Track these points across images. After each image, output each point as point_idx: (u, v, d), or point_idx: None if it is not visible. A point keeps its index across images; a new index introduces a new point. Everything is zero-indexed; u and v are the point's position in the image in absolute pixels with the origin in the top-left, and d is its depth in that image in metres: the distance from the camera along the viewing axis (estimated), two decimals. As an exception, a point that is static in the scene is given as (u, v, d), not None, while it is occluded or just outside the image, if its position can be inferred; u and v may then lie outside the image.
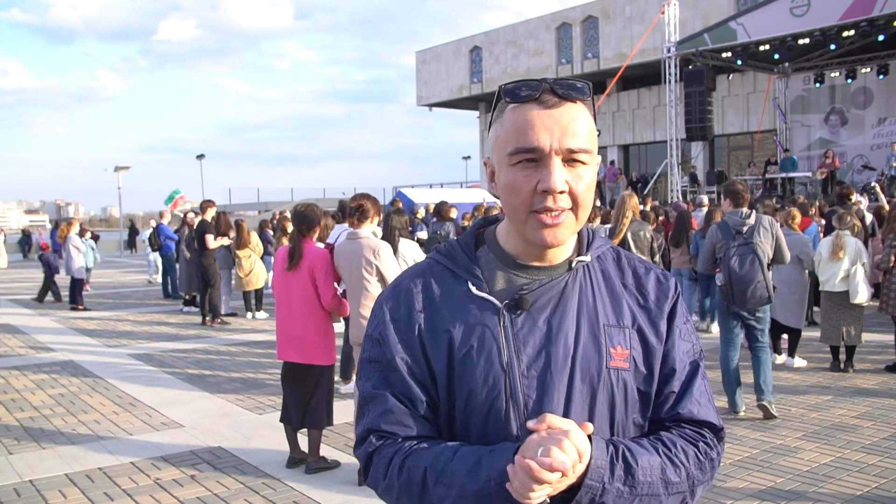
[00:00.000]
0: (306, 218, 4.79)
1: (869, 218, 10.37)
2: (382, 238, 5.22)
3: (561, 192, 1.14)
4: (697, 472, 1.20)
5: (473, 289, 1.22)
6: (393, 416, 1.22)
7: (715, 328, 9.49)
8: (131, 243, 33.30)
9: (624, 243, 6.52)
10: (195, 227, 11.54)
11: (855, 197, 10.90)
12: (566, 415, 1.17)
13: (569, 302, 1.22)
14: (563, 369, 1.18)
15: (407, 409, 1.22)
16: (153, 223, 17.01)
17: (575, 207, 1.17)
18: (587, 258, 1.27)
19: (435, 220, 11.44)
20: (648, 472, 1.14)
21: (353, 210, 4.86)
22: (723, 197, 5.96)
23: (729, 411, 5.74)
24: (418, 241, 10.68)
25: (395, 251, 5.25)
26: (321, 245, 5.38)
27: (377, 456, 1.22)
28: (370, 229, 4.84)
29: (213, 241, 11.05)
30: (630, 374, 1.22)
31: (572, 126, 1.15)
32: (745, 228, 5.54)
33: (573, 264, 1.25)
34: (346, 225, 6.54)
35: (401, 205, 12.34)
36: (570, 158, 1.15)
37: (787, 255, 5.80)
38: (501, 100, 1.20)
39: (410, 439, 1.21)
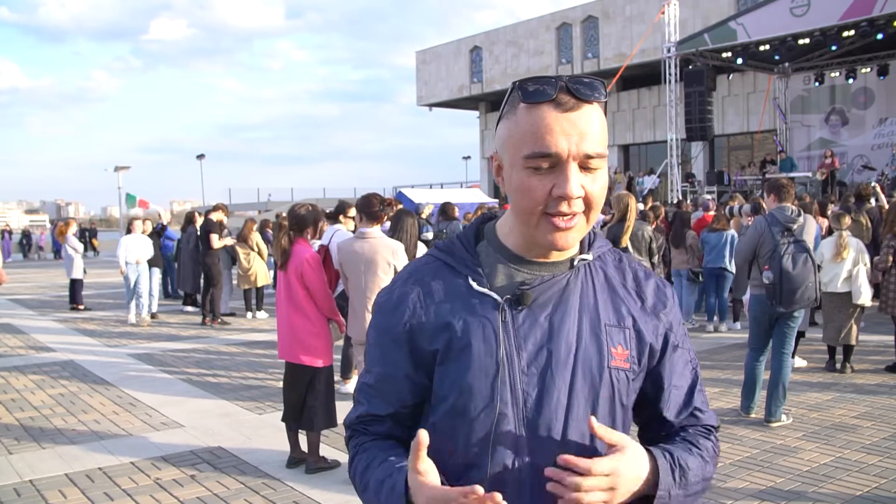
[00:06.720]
0: (296, 218, 4.80)
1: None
2: (393, 238, 5.24)
3: (577, 198, 1.13)
4: (713, 466, 1.28)
5: (474, 284, 1.21)
6: (367, 420, 1.28)
7: (724, 328, 9.49)
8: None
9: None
10: (200, 226, 11.59)
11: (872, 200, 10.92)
12: (567, 414, 1.17)
13: (570, 300, 1.21)
14: (565, 368, 1.17)
15: (380, 414, 1.27)
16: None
17: (587, 210, 1.16)
18: (589, 257, 1.26)
19: (440, 219, 11.47)
20: (695, 473, 1.21)
21: (362, 209, 4.88)
22: (766, 192, 5.71)
23: (739, 412, 5.73)
24: (424, 241, 10.68)
25: (410, 251, 5.25)
26: (317, 244, 5.38)
27: (349, 447, 1.32)
28: (380, 229, 4.87)
29: (217, 241, 11.09)
30: (632, 373, 1.23)
31: (590, 130, 1.12)
32: (795, 226, 5.32)
33: (575, 262, 1.24)
34: (338, 226, 6.53)
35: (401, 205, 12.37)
36: (585, 163, 1.13)
37: (817, 259, 5.66)
38: (514, 96, 1.16)
39: (372, 437, 1.28)
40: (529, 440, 1.15)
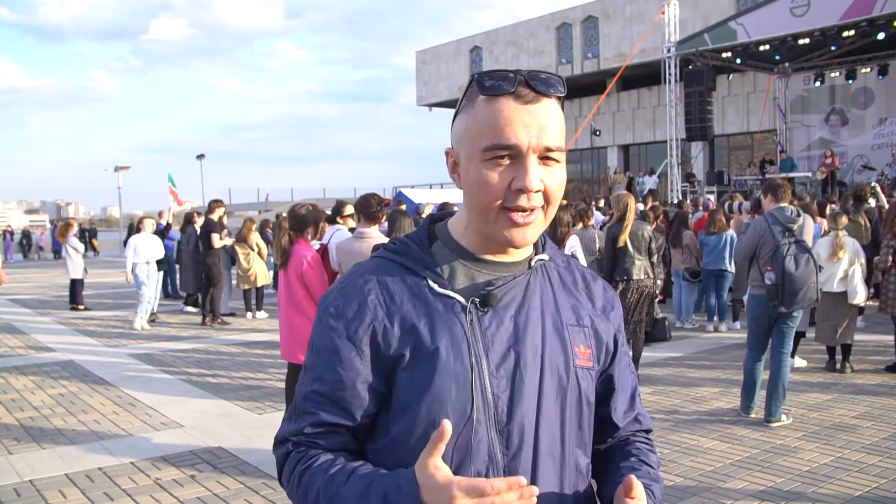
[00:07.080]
0: (296, 218, 4.82)
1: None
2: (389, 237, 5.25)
3: (536, 192, 1.11)
4: (661, 483, 1.31)
5: (435, 286, 1.17)
6: (317, 432, 1.18)
7: (723, 328, 9.49)
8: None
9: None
10: (200, 225, 11.58)
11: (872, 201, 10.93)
12: (538, 415, 1.16)
13: (532, 300, 1.20)
14: (533, 369, 1.16)
15: (335, 424, 1.17)
16: None
17: (546, 205, 1.14)
18: (546, 257, 1.25)
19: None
20: (659, 498, 1.25)
21: (361, 209, 4.89)
22: (762, 193, 5.73)
23: (739, 412, 5.73)
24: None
25: None
26: (317, 244, 5.39)
27: (288, 461, 1.20)
28: (377, 230, 4.88)
29: (218, 241, 11.09)
30: (594, 372, 1.24)
31: (549, 123, 1.11)
32: (795, 227, 5.32)
33: (533, 262, 1.23)
34: (338, 226, 6.54)
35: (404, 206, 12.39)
36: (545, 156, 1.12)
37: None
38: (472, 89, 1.14)
39: (323, 451, 1.18)
40: (501, 443, 1.13)
